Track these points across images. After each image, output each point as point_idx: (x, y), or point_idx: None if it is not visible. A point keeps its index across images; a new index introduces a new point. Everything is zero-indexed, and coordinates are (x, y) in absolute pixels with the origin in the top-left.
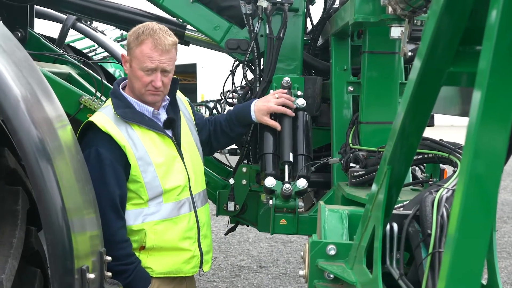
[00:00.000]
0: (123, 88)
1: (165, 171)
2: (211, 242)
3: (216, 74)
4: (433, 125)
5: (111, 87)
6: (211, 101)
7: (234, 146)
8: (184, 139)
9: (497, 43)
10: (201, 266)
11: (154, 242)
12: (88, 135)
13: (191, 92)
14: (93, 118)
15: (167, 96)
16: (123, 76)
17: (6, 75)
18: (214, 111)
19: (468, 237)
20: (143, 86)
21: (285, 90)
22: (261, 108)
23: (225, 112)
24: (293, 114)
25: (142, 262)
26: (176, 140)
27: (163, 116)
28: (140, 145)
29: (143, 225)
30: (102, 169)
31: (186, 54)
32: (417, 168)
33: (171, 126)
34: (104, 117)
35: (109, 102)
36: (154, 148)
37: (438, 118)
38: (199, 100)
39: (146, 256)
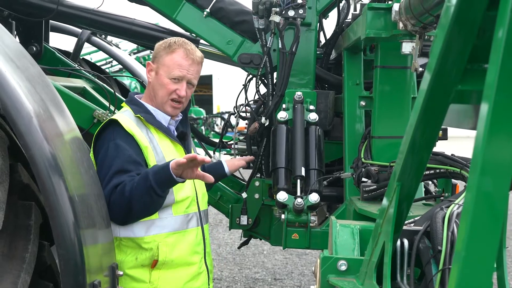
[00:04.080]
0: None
1: None
2: (212, 260)
3: (232, 85)
4: (446, 139)
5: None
6: (226, 112)
7: None
8: None
9: (504, 57)
10: (208, 283)
11: (166, 254)
12: (108, 131)
13: (207, 103)
14: (117, 117)
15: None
16: (138, 88)
17: (19, 92)
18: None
19: (475, 254)
20: (167, 94)
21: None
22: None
23: None
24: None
25: (154, 284)
26: (187, 152)
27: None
28: (159, 150)
29: (154, 237)
30: (118, 154)
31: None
32: (430, 182)
33: (183, 140)
34: (127, 118)
35: (126, 108)
36: (169, 154)
37: (454, 128)
38: (215, 111)
39: (158, 277)
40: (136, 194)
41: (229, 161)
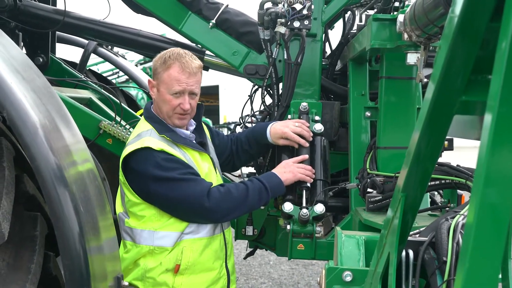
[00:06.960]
0: None
1: None
2: (234, 263)
3: (239, 95)
4: (452, 149)
5: (131, 111)
6: (233, 122)
7: (252, 170)
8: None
9: (507, 68)
10: (228, 286)
11: (189, 259)
12: (145, 154)
13: (213, 113)
14: (147, 143)
15: (193, 120)
16: (145, 98)
17: (25, 103)
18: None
19: (479, 265)
20: (171, 109)
21: (305, 122)
22: (277, 131)
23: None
24: (307, 145)
25: None
26: (213, 159)
27: None
28: (192, 163)
29: (181, 242)
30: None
31: (208, 76)
32: (435, 193)
33: (204, 149)
34: (156, 141)
35: (147, 126)
36: (198, 166)
37: (461, 139)
38: (221, 121)
39: (181, 283)
40: (250, 198)
41: (276, 127)
